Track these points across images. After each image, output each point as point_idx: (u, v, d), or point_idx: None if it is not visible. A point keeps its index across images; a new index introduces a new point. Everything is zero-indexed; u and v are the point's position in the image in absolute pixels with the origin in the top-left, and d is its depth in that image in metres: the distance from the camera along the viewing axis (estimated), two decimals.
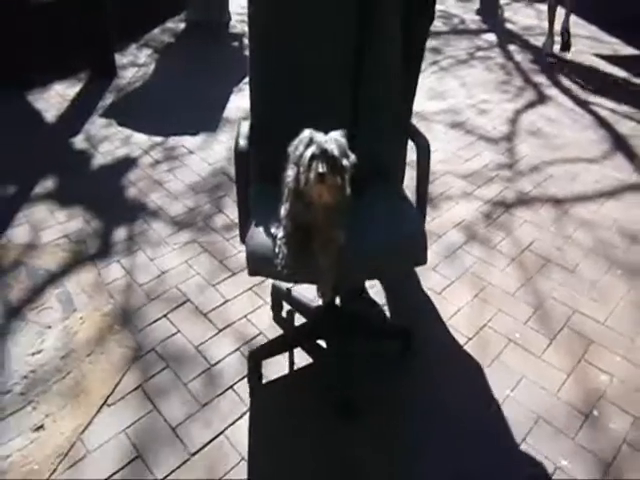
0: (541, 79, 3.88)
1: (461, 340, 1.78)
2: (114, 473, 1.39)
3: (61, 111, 3.23)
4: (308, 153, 1.23)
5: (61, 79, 3.59)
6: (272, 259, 1.31)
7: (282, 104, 1.59)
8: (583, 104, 3.50)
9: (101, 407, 1.55)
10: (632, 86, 3.78)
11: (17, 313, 1.87)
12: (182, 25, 4.81)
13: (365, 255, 1.38)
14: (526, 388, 1.63)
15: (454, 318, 1.87)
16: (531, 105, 3.48)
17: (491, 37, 4.76)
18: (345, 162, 1.24)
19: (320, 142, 1.23)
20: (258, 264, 1.38)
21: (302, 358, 1.73)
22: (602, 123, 3.26)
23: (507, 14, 5.45)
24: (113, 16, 3.67)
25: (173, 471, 1.39)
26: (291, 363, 1.70)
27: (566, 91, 3.69)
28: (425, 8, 1.87)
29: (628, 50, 4.48)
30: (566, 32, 4.18)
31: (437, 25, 5.06)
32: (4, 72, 3.34)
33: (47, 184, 2.55)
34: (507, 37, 4.78)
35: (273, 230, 1.35)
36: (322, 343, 1.76)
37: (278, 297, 1.91)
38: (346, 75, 1.58)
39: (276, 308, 1.91)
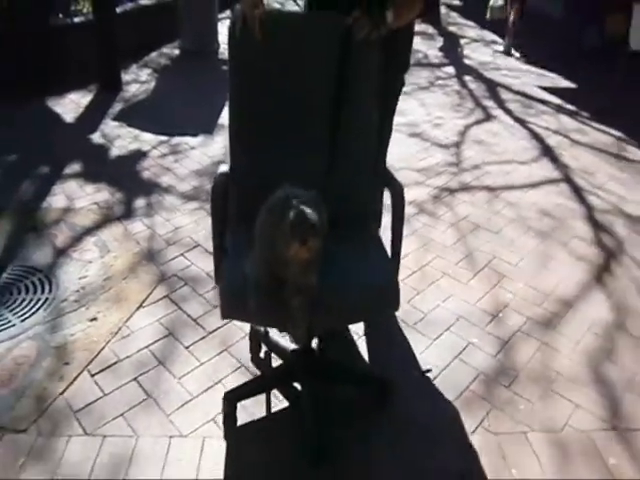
0: (489, 103, 4.73)
1: (408, 272, 2.46)
2: (152, 343, 2.00)
3: (77, 115, 3.92)
4: (288, 216, 1.28)
5: (74, 90, 4.28)
6: (245, 303, 1.37)
7: (259, 150, 1.69)
8: (521, 122, 4.34)
9: (138, 307, 2.17)
10: (562, 110, 4.65)
11: (63, 253, 2.48)
12: (177, 51, 5.59)
13: (338, 302, 1.45)
14: (453, 301, 2.31)
15: (404, 260, 2.55)
16: (478, 122, 4.30)
17: (450, 69, 5.66)
18: (321, 223, 1.31)
19: (300, 209, 1.29)
20: (230, 308, 1.48)
21: (280, 400, 1.82)
22: (535, 136, 4.08)
23: (466, 51, 6.40)
24: (118, 39, 4.42)
25: (195, 342, 2.01)
26: (268, 405, 1.78)
27: (509, 112, 4.54)
28: (403, 63, 2.04)
29: (563, 83, 5.41)
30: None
31: None
32: (27, 81, 4.02)
33: (74, 167, 3.20)
34: (464, 70, 5.68)
35: (247, 271, 1.41)
36: (298, 386, 1.83)
37: (256, 338, 1.98)
38: (323, 123, 1.66)
39: (254, 349, 1.98)
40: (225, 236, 1.60)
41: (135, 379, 1.85)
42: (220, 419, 1.72)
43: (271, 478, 1.58)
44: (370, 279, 1.52)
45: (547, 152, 3.83)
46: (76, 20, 4.54)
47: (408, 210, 2.94)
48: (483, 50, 6.51)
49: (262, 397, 1.80)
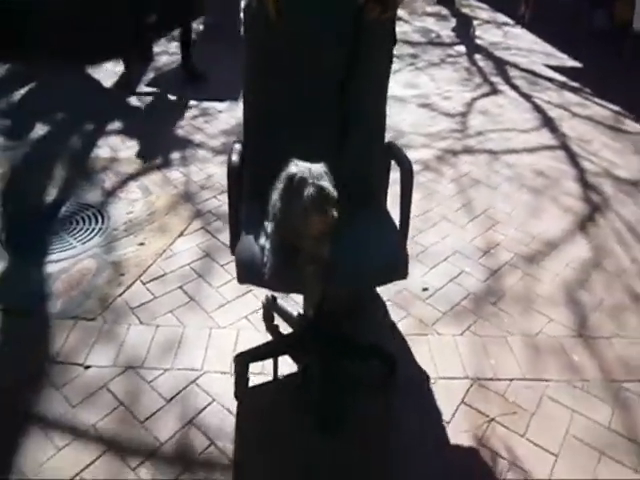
0: (497, 79, 5.03)
1: (412, 216, 2.80)
2: (193, 261, 2.38)
3: (114, 81, 4.29)
4: (310, 194, 1.35)
5: (110, 59, 4.65)
6: (260, 269, 1.44)
7: (272, 128, 1.77)
8: (526, 96, 4.64)
9: (179, 235, 2.55)
10: (566, 86, 4.94)
11: (112, 194, 2.86)
12: (201, 27, 5.93)
13: (349, 271, 1.52)
14: (451, 239, 2.66)
15: None
16: (485, 95, 4.61)
17: (461, 48, 5.95)
18: (336, 197, 1.37)
19: (319, 184, 1.37)
20: (247, 274, 1.54)
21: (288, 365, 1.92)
22: (538, 109, 4.39)
23: (478, 32, 6.68)
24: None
25: (228, 262, 2.38)
26: (275, 369, 1.89)
27: (515, 88, 4.84)
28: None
29: (570, 63, 5.69)
30: None
31: (415, 37, 6.27)
32: (69, 51, 4.40)
33: (116, 125, 3.58)
34: (475, 49, 5.97)
35: (262, 242, 1.49)
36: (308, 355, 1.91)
37: (268, 307, 2.10)
38: (335, 101, 1.73)
39: (268, 317, 2.10)
40: (240, 210, 1.68)
41: (180, 287, 2.24)
42: (252, 317, 2.10)
43: (278, 443, 1.66)
44: (380, 249, 1.61)
45: (547, 123, 4.14)
46: None
47: (414, 167, 3.28)
48: (494, 31, 6.78)
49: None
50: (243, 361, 1.83)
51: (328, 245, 1.42)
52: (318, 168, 1.41)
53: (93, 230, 2.57)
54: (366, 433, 1.73)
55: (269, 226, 1.46)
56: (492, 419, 1.78)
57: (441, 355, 2.01)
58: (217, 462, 1.59)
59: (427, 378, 1.91)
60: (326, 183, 1.37)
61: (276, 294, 2.10)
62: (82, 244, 2.47)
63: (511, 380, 1.92)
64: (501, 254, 2.58)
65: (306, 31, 1.71)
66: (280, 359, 1.92)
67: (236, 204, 1.65)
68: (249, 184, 1.71)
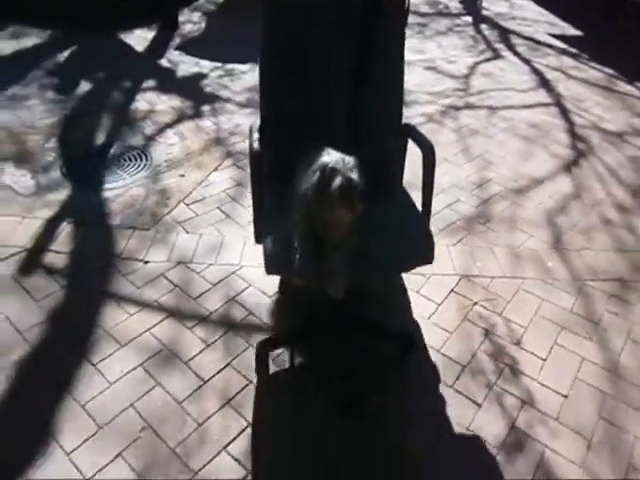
0: (500, 46, 5.38)
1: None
2: (227, 189, 2.81)
3: (145, 46, 4.71)
4: (338, 186, 1.36)
5: (139, 27, 5.06)
6: (289, 261, 1.47)
7: (290, 110, 1.80)
8: (526, 61, 5.00)
9: (214, 170, 2.98)
10: (565, 52, 5.28)
11: (152, 139, 3.30)
12: None
13: (376, 258, 1.55)
14: (449, 175, 3.07)
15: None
16: (487, 60, 4.97)
17: (468, 19, 6.28)
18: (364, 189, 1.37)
19: (347, 176, 1.37)
20: (275, 265, 1.57)
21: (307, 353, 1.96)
22: (536, 72, 4.75)
23: (485, 4, 6.98)
24: None
25: None
26: (292, 356, 1.93)
27: (517, 54, 5.20)
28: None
29: (572, 32, 6.01)
30: None
31: (424, 9, 6.60)
32: (102, 19, 4.82)
33: (150, 83, 4.01)
34: (481, 19, 6.30)
35: (289, 231, 1.50)
36: (327, 339, 1.99)
37: (286, 288, 2.16)
38: (350, 80, 1.77)
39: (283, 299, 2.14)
40: (263, 195, 1.69)
41: (218, 207, 2.67)
42: None
43: (299, 427, 1.71)
44: (406, 234, 1.63)
45: (544, 84, 4.50)
46: None
47: (418, 119, 3.69)
48: (501, 3, 7.08)
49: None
50: (264, 348, 1.88)
51: (355, 235, 1.44)
52: (350, 160, 1.41)
53: (139, 166, 3.01)
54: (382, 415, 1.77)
55: (297, 215, 1.47)
56: (475, 303, 2.20)
57: (436, 259, 2.42)
58: (254, 326, 2.03)
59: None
60: (355, 176, 1.37)
61: None
62: (131, 176, 2.91)
63: (493, 277, 2.34)
64: (492, 187, 2.99)
65: (321, 15, 1.76)
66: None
67: (259, 191, 1.66)
68: (269, 169, 1.72)
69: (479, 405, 1.80)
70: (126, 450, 1.60)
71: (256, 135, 1.69)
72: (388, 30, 1.79)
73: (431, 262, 1.66)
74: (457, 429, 1.72)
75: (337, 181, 1.36)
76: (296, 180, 1.51)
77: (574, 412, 1.79)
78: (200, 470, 1.57)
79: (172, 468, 1.57)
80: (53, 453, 1.58)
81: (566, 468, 1.63)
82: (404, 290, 2.26)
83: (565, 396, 1.84)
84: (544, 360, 1.97)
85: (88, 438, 1.62)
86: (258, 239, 1.69)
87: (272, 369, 1.89)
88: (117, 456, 1.58)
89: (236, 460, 1.60)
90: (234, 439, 1.65)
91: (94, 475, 1.53)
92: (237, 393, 1.78)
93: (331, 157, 1.42)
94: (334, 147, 1.47)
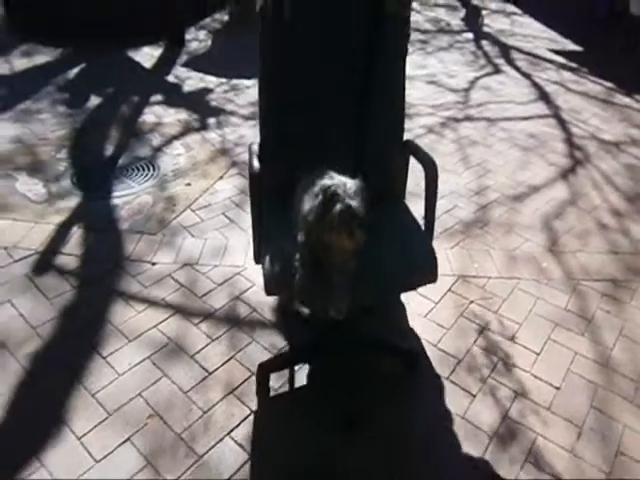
0: (500, 61, 5.54)
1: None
2: (232, 196, 2.93)
3: (153, 62, 4.89)
4: (336, 210, 1.36)
5: (147, 45, 5.26)
6: (289, 281, 1.46)
7: (291, 125, 1.78)
8: (526, 75, 5.14)
9: (219, 178, 3.11)
10: (565, 67, 5.43)
11: (159, 150, 3.44)
12: (226, 17, 6.53)
13: (378, 275, 1.55)
14: (448, 183, 3.18)
15: None
16: (488, 74, 5.12)
17: (469, 35, 6.46)
18: (365, 214, 1.37)
19: (347, 203, 1.36)
20: (275, 286, 1.56)
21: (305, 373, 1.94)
22: (536, 86, 4.89)
23: (486, 21, 7.18)
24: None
25: None
26: (291, 380, 1.91)
27: (517, 68, 5.35)
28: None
29: (572, 47, 6.17)
30: None
31: (426, 26, 6.79)
32: (111, 37, 5.02)
33: (157, 97, 4.17)
34: (482, 35, 6.48)
35: (289, 251, 1.49)
36: (328, 358, 2.01)
37: (287, 311, 2.17)
38: (353, 97, 1.76)
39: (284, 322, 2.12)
40: (263, 221, 1.67)
41: (223, 213, 2.79)
42: None
43: (301, 448, 1.69)
44: (409, 252, 1.62)
45: (543, 97, 4.64)
46: None
47: (419, 131, 3.82)
48: (502, 20, 7.28)
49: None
50: (264, 371, 1.87)
51: (355, 259, 1.45)
52: (352, 185, 1.40)
53: (147, 176, 3.14)
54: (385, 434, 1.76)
55: (299, 236, 1.46)
56: (472, 301, 2.30)
57: None
58: (258, 322, 2.13)
59: None
60: (356, 203, 1.37)
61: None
62: (139, 185, 3.04)
63: (489, 278, 2.43)
64: (490, 194, 3.10)
65: (322, 20, 1.74)
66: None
67: (259, 211, 1.65)
68: (269, 187, 1.68)
69: (474, 396, 1.88)
70: (134, 435, 1.69)
71: (256, 155, 1.69)
72: (390, 47, 1.77)
73: (435, 281, 1.65)
74: (452, 417, 1.80)
75: (337, 207, 1.36)
76: (296, 200, 1.53)
77: (566, 402, 1.87)
78: (205, 454, 1.65)
79: (178, 452, 1.66)
80: (65, 437, 1.68)
81: (556, 454, 1.70)
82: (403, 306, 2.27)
83: (557, 388, 1.92)
84: (537, 354, 2.05)
85: (98, 424, 1.72)
86: (257, 259, 1.69)
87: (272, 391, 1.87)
88: (126, 441, 1.68)
89: (239, 445, 1.68)
90: (237, 425, 1.74)
91: (104, 457, 1.63)
92: (240, 384, 1.88)
93: (333, 180, 1.42)
94: (336, 166, 1.47)
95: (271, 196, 1.71)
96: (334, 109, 1.81)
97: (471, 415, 1.82)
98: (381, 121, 1.79)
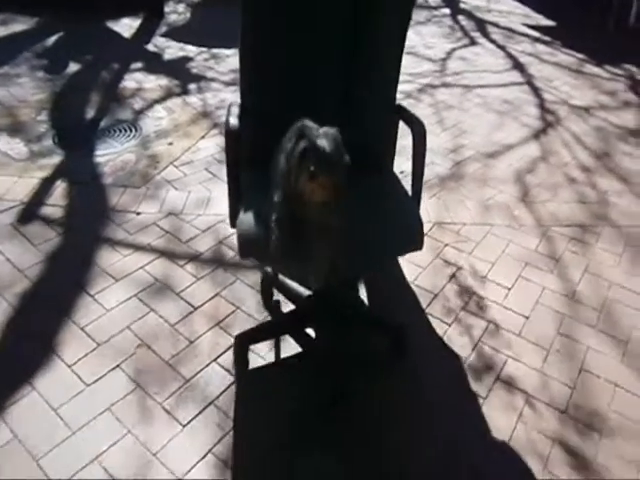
0: (476, 34, 5.63)
1: None
2: (213, 154, 2.98)
3: (132, 32, 4.88)
4: (299, 148, 1.24)
5: (126, 16, 5.24)
6: (264, 242, 1.35)
7: (273, 87, 1.67)
8: (501, 47, 5.24)
9: (201, 138, 3.15)
10: (539, 40, 5.54)
11: (141, 113, 3.46)
12: None
13: (362, 241, 1.44)
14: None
15: None
16: (464, 46, 5.21)
17: (446, 10, 6.53)
18: (340, 160, 1.25)
19: (312, 136, 1.24)
20: (250, 246, 1.45)
21: (290, 347, 1.85)
22: (510, 57, 4.99)
23: None
24: None
25: None
26: (277, 351, 1.82)
27: (492, 41, 5.44)
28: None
29: (545, 22, 6.29)
30: None
31: None
32: (89, 7, 4.99)
33: (137, 64, 4.18)
34: (459, 11, 6.56)
35: (266, 212, 1.37)
36: (311, 332, 1.90)
37: (268, 283, 2.05)
38: (340, 57, 1.66)
39: (266, 294, 2.02)
40: (239, 178, 1.58)
41: (205, 169, 2.85)
42: None
43: (282, 424, 1.61)
44: (394, 218, 1.55)
45: (518, 67, 4.74)
46: None
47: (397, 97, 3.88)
48: None
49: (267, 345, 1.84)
50: (243, 342, 1.78)
51: (337, 215, 1.31)
52: (327, 129, 1.29)
53: (129, 136, 3.17)
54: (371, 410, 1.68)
55: (275, 195, 1.35)
56: (447, 244, 2.39)
57: None
58: (241, 264, 2.20)
59: None
60: (328, 144, 1.24)
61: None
62: (121, 145, 3.07)
63: (464, 224, 2.53)
64: (465, 152, 3.19)
65: None
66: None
67: (235, 171, 1.55)
68: (248, 150, 1.61)
69: (448, 325, 1.98)
70: (123, 363, 1.76)
71: (235, 111, 1.59)
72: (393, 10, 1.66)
73: (421, 248, 1.58)
74: (429, 342, 1.90)
75: (301, 144, 1.26)
76: (275, 159, 1.41)
77: (534, 329, 1.98)
78: (192, 378, 1.73)
79: (166, 375, 1.72)
80: (55, 364, 1.73)
81: (526, 372, 1.81)
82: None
83: (527, 317, 2.03)
84: (509, 289, 2.16)
85: (88, 353, 1.78)
86: (234, 223, 1.55)
87: (255, 362, 1.80)
88: (115, 367, 1.74)
89: (226, 370, 1.76)
90: (223, 353, 1.81)
91: (94, 382, 1.69)
92: (226, 317, 1.95)
93: (304, 123, 1.31)
94: (322, 119, 1.34)
95: (249, 159, 1.63)
96: (321, 67, 1.70)
97: (447, 340, 1.91)
98: (371, 86, 1.70)
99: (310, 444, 1.55)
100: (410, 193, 1.72)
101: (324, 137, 1.26)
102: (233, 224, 1.56)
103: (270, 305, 2.01)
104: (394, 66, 1.79)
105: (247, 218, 1.48)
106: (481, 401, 1.72)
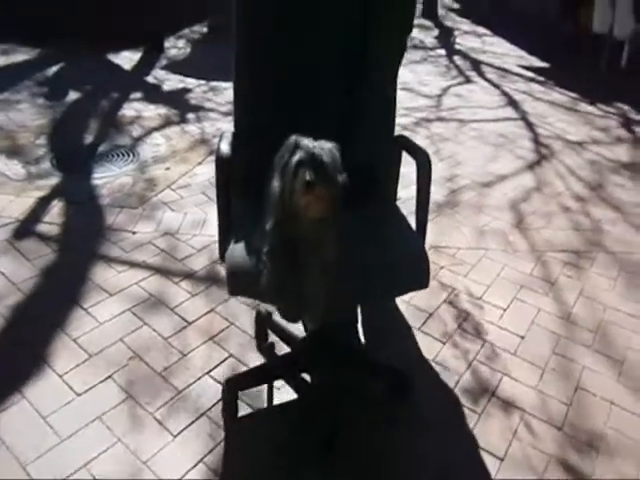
0: (471, 73, 5.84)
1: None
2: (210, 178, 3.05)
3: (132, 65, 5.05)
4: (294, 159, 1.20)
5: (127, 49, 5.42)
6: (255, 277, 1.25)
7: (268, 113, 1.62)
8: (496, 86, 5.43)
9: (198, 164, 3.23)
10: (533, 80, 5.75)
11: (139, 140, 3.56)
12: (205, 29, 6.75)
13: (362, 278, 1.35)
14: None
15: None
16: (459, 84, 5.40)
17: (442, 51, 6.79)
18: (337, 174, 1.21)
19: (308, 147, 1.21)
20: (239, 282, 1.35)
21: (283, 392, 1.75)
22: (505, 94, 5.16)
23: (458, 40, 7.54)
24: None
25: None
26: (270, 397, 1.72)
27: (487, 79, 5.64)
28: (408, 24, 1.99)
29: (539, 64, 6.53)
30: None
31: None
32: (92, 41, 5.17)
33: (137, 94, 4.31)
34: (454, 52, 6.81)
35: (257, 244, 1.29)
36: (306, 376, 1.80)
37: (261, 324, 1.94)
38: (338, 83, 1.62)
39: (259, 336, 1.92)
40: (230, 209, 1.51)
41: (202, 192, 2.91)
42: None
43: (276, 472, 1.52)
44: (397, 251, 1.46)
45: (512, 103, 4.90)
46: None
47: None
48: (474, 39, 7.65)
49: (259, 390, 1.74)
50: (233, 388, 1.66)
51: (333, 235, 1.25)
52: (325, 143, 1.25)
53: (127, 161, 3.25)
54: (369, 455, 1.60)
55: (267, 222, 1.27)
56: (442, 267, 2.44)
57: None
58: None
59: None
60: (322, 152, 1.22)
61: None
62: (119, 168, 3.14)
63: (459, 248, 2.59)
64: (461, 181, 3.28)
65: (310, 10, 1.62)
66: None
67: (225, 200, 1.48)
68: (240, 181, 1.54)
69: (443, 343, 2.01)
70: (115, 373, 1.77)
71: (227, 138, 1.53)
72: (385, 27, 1.66)
73: (426, 286, 1.47)
74: (423, 361, 1.92)
75: (297, 155, 1.21)
76: (267, 184, 1.33)
77: (530, 349, 2.00)
78: (184, 389, 1.74)
79: (158, 386, 1.74)
80: (46, 374, 1.75)
81: (521, 390, 1.83)
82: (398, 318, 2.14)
83: (522, 337, 2.06)
84: (504, 310, 2.20)
85: (79, 364, 1.79)
86: (223, 255, 1.46)
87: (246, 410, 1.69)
88: (107, 378, 1.75)
89: (219, 382, 1.77)
90: (216, 366, 1.83)
91: (85, 392, 1.70)
92: (220, 332, 1.97)
93: (296, 137, 1.26)
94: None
95: (243, 188, 1.57)
96: (317, 93, 1.66)
97: (441, 359, 1.94)
98: (368, 112, 1.67)
99: (305, 467, 1.53)
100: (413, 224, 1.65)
101: (321, 149, 1.24)
102: (222, 257, 1.47)
103: (263, 347, 1.92)
104: (392, 91, 1.83)
105: (237, 251, 1.39)
106: (476, 419, 1.73)
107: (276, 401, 1.73)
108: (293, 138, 1.25)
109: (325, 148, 1.24)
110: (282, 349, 1.90)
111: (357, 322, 2.04)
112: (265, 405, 1.71)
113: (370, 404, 1.75)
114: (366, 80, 1.67)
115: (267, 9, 1.62)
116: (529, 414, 1.74)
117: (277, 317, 1.87)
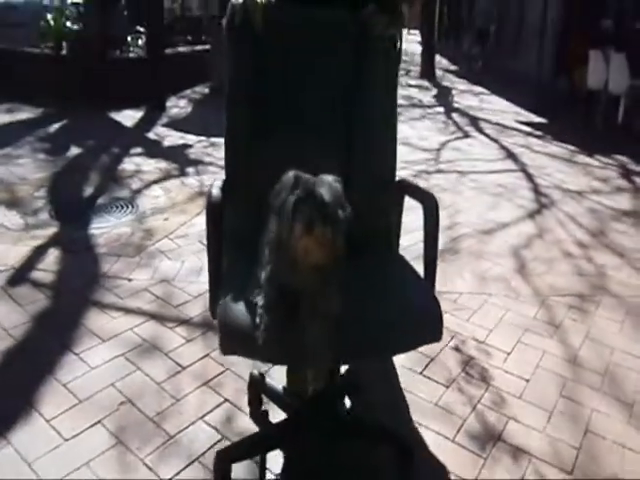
0: (470, 128, 6.01)
1: None
2: (202, 240, 3.08)
3: (134, 123, 5.21)
4: (292, 199, 1.12)
5: (129, 108, 5.61)
6: (251, 333, 1.18)
7: (259, 160, 1.56)
8: (494, 140, 5.58)
9: (196, 215, 3.28)
10: (531, 134, 5.91)
11: (138, 192, 3.63)
12: (206, 90, 7.01)
13: (368, 331, 1.28)
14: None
15: None
16: (458, 139, 5.55)
17: (440, 109, 7.02)
18: (339, 212, 1.12)
19: (307, 184, 1.14)
20: (234, 340, 1.27)
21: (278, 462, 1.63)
22: (504, 148, 5.30)
23: (456, 98, 7.81)
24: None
25: None
26: (262, 469, 1.59)
27: (485, 134, 5.80)
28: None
29: (536, 119, 6.73)
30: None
31: (400, 102, 7.35)
32: (93, 100, 5.37)
33: (137, 150, 4.43)
34: (452, 109, 7.03)
35: (252, 298, 1.22)
36: (305, 444, 1.67)
37: (256, 389, 1.82)
38: (336, 129, 1.59)
39: (253, 403, 1.81)
40: (222, 262, 1.42)
41: (199, 241, 2.94)
42: None
43: None
44: (406, 303, 1.38)
45: (511, 156, 5.03)
46: (131, 55, 5.97)
47: None
48: (471, 98, 7.93)
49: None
50: (224, 461, 1.53)
51: (336, 296, 1.17)
52: (326, 177, 1.17)
53: (125, 212, 3.30)
54: None
55: (263, 272, 1.20)
56: (445, 312, 2.41)
57: None
58: None
59: None
60: (323, 189, 1.13)
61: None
62: (117, 219, 3.19)
63: (461, 293, 2.58)
64: (461, 229, 3.32)
65: (298, 49, 1.60)
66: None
67: (217, 251, 1.39)
68: (232, 229, 1.47)
69: (446, 387, 1.97)
70: (105, 419, 1.73)
71: (219, 184, 1.44)
72: (377, 67, 1.63)
73: (439, 339, 1.38)
74: (426, 405, 1.88)
75: (295, 194, 1.12)
76: (262, 236, 1.25)
77: (536, 392, 1.96)
78: (177, 434, 1.69)
79: (149, 432, 1.69)
80: (33, 419, 1.71)
81: (528, 434, 1.78)
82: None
83: (527, 380, 2.02)
84: (508, 354, 2.17)
85: (68, 409, 1.76)
86: (214, 311, 1.37)
87: None
88: (96, 423, 1.71)
89: (213, 428, 1.73)
90: (211, 411, 1.79)
91: (73, 437, 1.65)
92: (215, 377, 1.94)
93: (294, 172, 1.17)
94: None
95: (234, 241, 1.48)
96: (313, 141, 1.60)
97: (444, 404, 1.90)
98: (368, 159, 1.63)
99: None
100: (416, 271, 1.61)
101: (321, 185, 1.14)
102: (213, 313, 1.38)
103: (257, 414, 1.80)
104: (390, 133, 1.75)
105: (230, 306, 1.28)
106: (482, 463, 1.67)
107: (270, 474, 1.59)
108: (291, 174, 1.16)
109: (326, 182, 1.16)
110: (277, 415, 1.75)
111: (357, 384, 1.90)
112: (258, 478, 1.57)
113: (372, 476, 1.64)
114: (360, 125, 1.64)
115: (256, 66, 1.61)
116: (537, 458, 1.69)
117: (271, 381, 1.83)
